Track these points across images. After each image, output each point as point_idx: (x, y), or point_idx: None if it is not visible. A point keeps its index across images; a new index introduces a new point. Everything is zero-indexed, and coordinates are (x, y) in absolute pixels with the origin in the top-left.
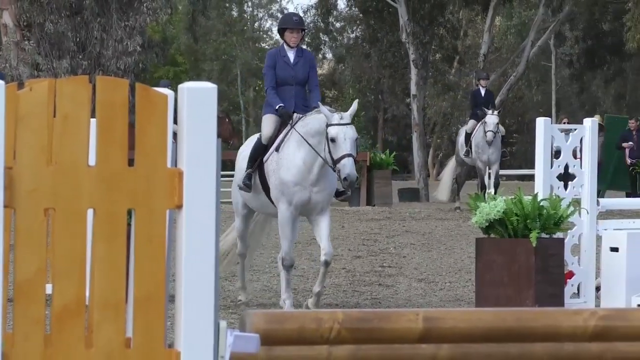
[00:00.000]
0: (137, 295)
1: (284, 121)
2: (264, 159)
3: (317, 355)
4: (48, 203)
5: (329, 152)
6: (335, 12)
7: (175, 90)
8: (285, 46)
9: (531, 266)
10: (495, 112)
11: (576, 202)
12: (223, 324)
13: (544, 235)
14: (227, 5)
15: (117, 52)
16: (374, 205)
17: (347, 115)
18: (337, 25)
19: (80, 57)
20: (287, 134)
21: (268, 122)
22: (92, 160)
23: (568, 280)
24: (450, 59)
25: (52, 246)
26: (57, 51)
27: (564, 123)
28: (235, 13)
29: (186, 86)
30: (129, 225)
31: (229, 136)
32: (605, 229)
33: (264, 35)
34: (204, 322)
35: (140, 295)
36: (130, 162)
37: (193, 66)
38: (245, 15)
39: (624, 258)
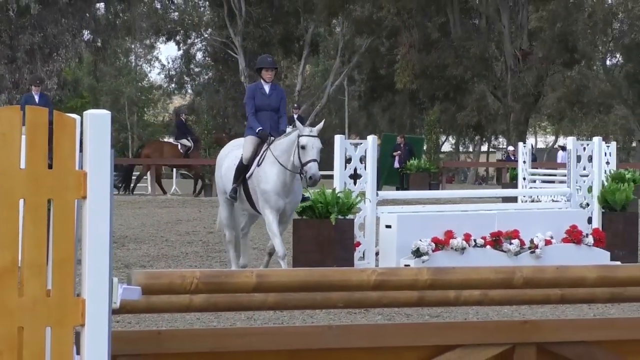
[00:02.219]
0: (54, 259)
1: (262, 141)
2: (247, 175)
3: (182, 301)
4: None
5: (299, 157)
6: (194, 61)
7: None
8: (262, 81)
9: (331, 239)
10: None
11: (362, 194)
12: (115, 279)
13: (340, 216)
14: (118, 56)
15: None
16: None
17: (315, 129)
18: (196, 69)
19: (15, 92)
20: (264, 153)
21: (248, 144)
22: (23, 164)
23: (357, 248)
24: None
25: None
26: None
27: (357, 138)
28: (124, 61)
29: (89, 113)
30: (49, 210)
31: None
32: (382, 212)
33: (144, 77)
34: (102, 278)
35: (57, 259)
36: (50, 166)
37: (94, 99)
38: (130, 63)
39: (395, 232)
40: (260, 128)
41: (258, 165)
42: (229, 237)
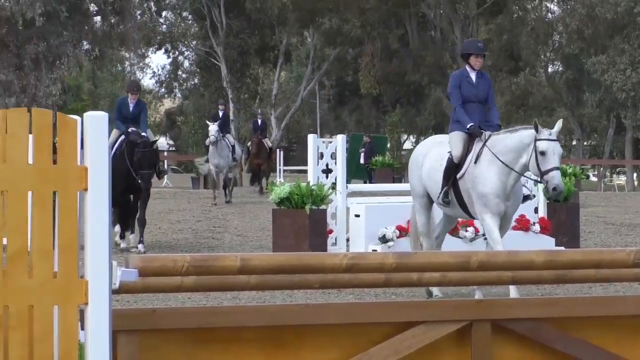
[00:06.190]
0: (60, 244)
1: (471, 137)
2: (458, 176)
3: (174, 282)
4: (3, 187)
5: (537, 164)
6: (182, 68)
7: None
8: (468, 68)
9: (306, 226)
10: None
11: (334, 186)
12: (114, 263)
13: (314, 207)
14: (114, 64)
15: (46, 94)
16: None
17: (554, 132)
18: (184, 76)
19: (23, 96)
20: (480, 150)
21: (457, 141)
22: (30, 160)
23: (329, 235)
24: (254, 97)
25: (6, 214)
26: (7, 92)
27: (328, 137)
28: (119, 68)
29: (89, 114)
30: (54, 201)
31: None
32: (352, 203)
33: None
34: (103, 261)
35: (62, 245)
36: (55, 161)
37: (93, 102)
38: (125, 70)
39: (363, 221)
40: (472, 124)
41: (474, 163)
42: (427, 247)
